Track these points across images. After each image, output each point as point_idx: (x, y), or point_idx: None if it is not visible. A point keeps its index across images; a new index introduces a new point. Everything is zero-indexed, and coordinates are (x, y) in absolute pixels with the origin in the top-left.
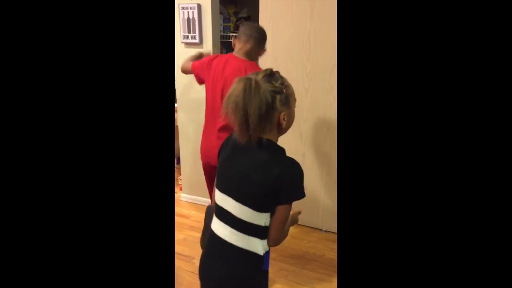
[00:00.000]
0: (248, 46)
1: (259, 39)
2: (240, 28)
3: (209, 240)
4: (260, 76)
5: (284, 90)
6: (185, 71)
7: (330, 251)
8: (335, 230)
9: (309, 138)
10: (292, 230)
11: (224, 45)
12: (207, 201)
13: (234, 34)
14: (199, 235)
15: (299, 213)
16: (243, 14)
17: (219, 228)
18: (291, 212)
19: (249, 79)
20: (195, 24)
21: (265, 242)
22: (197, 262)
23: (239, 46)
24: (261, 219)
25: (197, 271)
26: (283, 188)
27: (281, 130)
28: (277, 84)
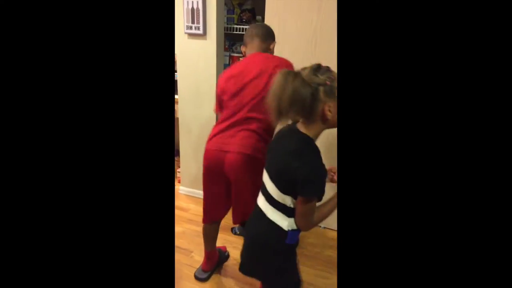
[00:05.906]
0: (254, 44)
1: (263, 35)
2: (244, 34)
3: (254, 207)
4: (306, 69)
5: (327, 82)
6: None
7: (328, 248)
8: (334, 227)
9: None
10: None
11: (228, 37)
12: None
13: (237, 26)
14: (197, 228)
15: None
16: (247, 6)
17: (260, 198)
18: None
19: (290, 71)
20: (199, 15)
21: (291, 220)
22: (195, 256)
23: (248, 48)
24: (286, 200)
25: (195, 265)
26: (298, 183)
27: (327, 121)
28: (322, 77)
